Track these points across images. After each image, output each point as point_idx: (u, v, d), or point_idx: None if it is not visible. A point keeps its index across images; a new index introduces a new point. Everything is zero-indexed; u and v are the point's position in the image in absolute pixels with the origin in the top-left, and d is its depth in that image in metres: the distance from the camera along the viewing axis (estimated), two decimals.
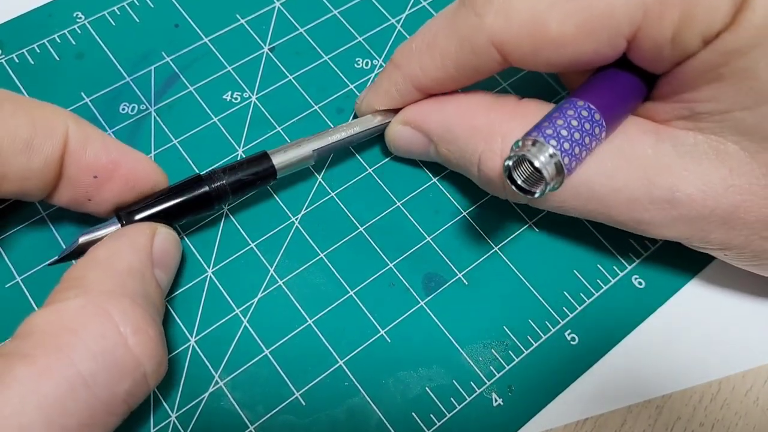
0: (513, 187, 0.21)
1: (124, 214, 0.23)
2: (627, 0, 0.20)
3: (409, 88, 0.25)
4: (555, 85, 0.30)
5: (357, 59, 0.30)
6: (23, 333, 0.18)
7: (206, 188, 0.23)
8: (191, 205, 0.24)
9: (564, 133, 0.20)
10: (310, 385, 0.23)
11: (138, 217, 0.23)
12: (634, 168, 0.21)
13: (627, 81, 0.22)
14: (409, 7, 0.32)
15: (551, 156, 0.20)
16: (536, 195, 0.20)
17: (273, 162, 0.24)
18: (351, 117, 0.29)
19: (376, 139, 0.27)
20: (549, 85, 0.30)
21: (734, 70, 0.19)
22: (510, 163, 0.20)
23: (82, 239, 0.22)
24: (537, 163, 0.19)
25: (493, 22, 0.21)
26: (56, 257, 0.23)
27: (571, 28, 0.20)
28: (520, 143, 0.20)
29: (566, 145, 0.20)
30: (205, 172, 0.24)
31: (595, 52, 0.21)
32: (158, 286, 0.22)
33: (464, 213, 0.27)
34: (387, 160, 0.28)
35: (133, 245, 0.21)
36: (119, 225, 0.23)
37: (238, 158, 0.27)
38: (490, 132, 0.23)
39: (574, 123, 0.20)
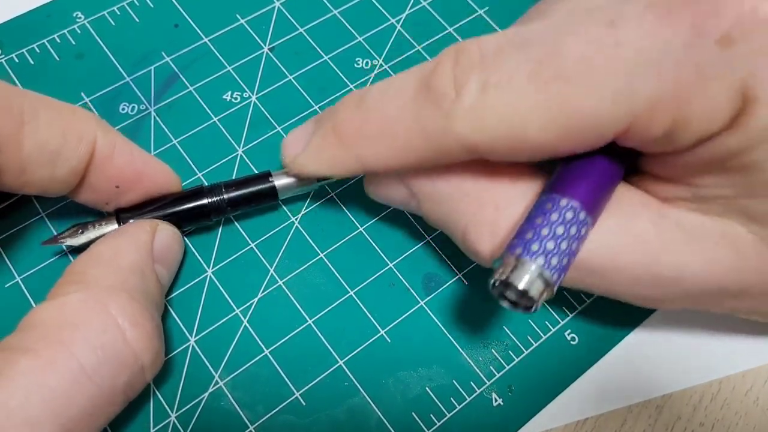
0: (506, 304, 0.19)
1: (124, 218, 0.23)
2: (614, 107, 0.17)
3: (358, 168, 0.21)
4: None
5: (357, 59, 0.30)
6: (25, 326, 0.19)
7: (205, 201, 0.24)
8: (188, 216, 0.24)
9: (550, 246, 0.18)
10: (310, 385, 0.23)
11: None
12: (637, 246, 0.20)
13: (608, 163, 0.20)
14: (409, 7, 0.32)
15: (537, 274, 0.18)
16: (532, 310, 0.19)
17: (275, 184, 0.24)
18: None
19: None
20: None
21: (740, 164, 0.18)
22: (496, 284, 0.19)
23: (71, 235, 0.23)
24: (522, 286, 0.18)
25: (464, 127, 0.18)
26: (50, 238, 0.24)
27: (552, 134, 0.18)
28: (503, 261, 0.18)
29: (554, 261, 0.18)
30: (208, 185, 0.24)
31: (576, 150, 0.19)
32: (158, 282, 0.22)
33: None
34: None
35: (134, 242, 0.22)
36: (116, 225, 0.23)
37: (238, 158, 0.27)
38: (480, 199, 0.21)
39: (560, 230, 0.18)
